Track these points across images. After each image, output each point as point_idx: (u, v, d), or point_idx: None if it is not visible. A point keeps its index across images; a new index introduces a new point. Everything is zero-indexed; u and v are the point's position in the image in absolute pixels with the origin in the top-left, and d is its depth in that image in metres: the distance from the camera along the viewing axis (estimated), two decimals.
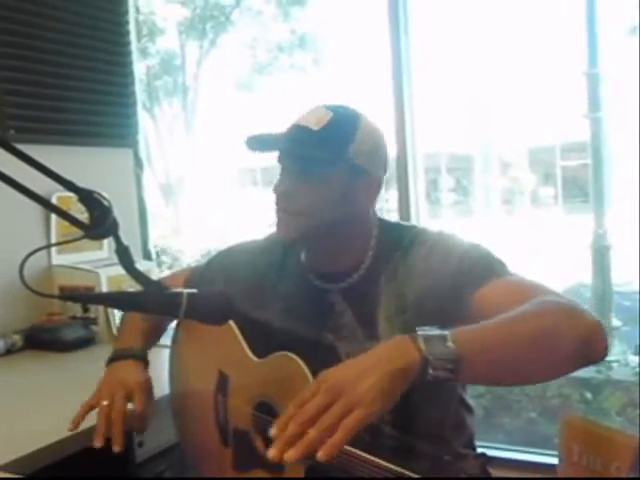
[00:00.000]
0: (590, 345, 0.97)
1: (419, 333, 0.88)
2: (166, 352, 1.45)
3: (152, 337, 1.43)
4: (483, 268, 1.12)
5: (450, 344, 0.86)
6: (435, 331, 0.89)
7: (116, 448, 1.16)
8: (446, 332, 0.88)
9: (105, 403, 1.19)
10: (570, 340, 0.95)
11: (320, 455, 0.78)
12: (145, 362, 1.32)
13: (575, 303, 1.02)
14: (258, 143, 1.21)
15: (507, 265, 1.16)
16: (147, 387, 1.26)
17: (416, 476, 0.95)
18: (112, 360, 1.31)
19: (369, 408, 0.81)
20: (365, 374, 0.83)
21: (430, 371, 0.85)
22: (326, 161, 1.16)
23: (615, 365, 4.52)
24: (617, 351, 4.71)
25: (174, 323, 1.49)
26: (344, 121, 1.17)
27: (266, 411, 1.18)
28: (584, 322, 0.98)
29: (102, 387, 1.24)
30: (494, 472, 1.32)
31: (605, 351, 0.99)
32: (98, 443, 1.15)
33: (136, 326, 1.40)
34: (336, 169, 1.16)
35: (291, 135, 1.18)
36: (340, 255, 1.23)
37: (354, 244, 1.23)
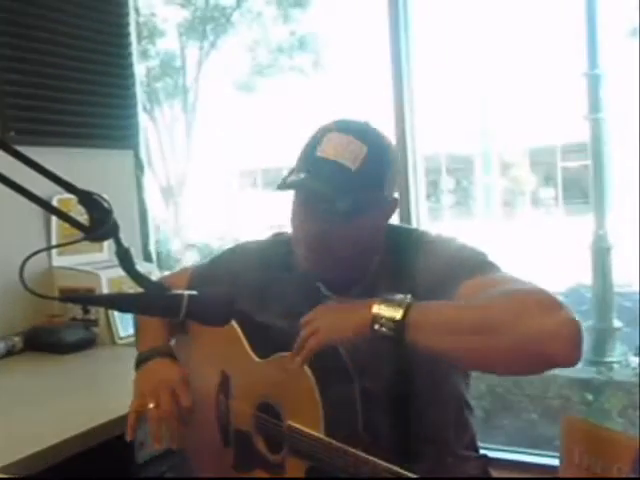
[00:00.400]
0: (546, 346, 0.92)
1: (383, 297, 1.03)
2: None
3: (171, 332, 1.38)
4: (469, 265, 1.10)
5: (399, 308, 0.99)
6: (398, 296, 1.02)
7: (174, 446, 1.20)
8: (407, 298, 1.01)
9: (152, 406, 1.18)
10: (513, 337, 0.92)
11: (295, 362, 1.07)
12: (174, 357, 1.30)
13: (546, 296, 0.97)
14: (291, 186, 1.14)
15: (498, 266, 1.13)
16: (187, 380, 1.23)
17: (414, 476, 0.94)
18: (141, 362, 1.28)
19: (325, 335, 1.06)
20: (329, 314, 1.09)
21: (376, 327, 1.00)
22: (366, 204, 1.12)
23: (616, 366, 4.52)
24: (618, 352, 4.71)
25: None
26: (379, 156, 1.13)
27: (268, 412, 1.18)
28: (549, 320, 0.93)
29: (143, 389, 1.21)
30: (495, 473, 1.32)
31: (571, 355, 0.93)
32: (157, 446, 1.18)
33: (154, 325, 1.36)
34: (372, 209, 1.15)
35: (327, 175, 1.09)
36: (350, 267, 1.21)
37: (365, 256, 1.21)
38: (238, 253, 1.41)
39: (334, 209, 1.09)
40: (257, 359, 1.22)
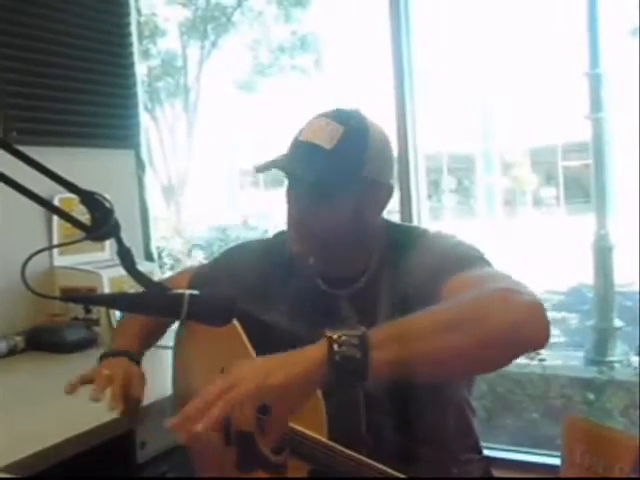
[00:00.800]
0: (521, 331, 0.91)
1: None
2: (168, 353, 1.45)
3: (147, 340, 1.41)
4: (456, 260, 1.09)
5: (355, 330, 0.88)
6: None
7: (115, 406, 1.18)
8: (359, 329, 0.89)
9: (107, 372, 1.22)
10: (492, 326, 0.90)
11: (197, 426, 0.84)
12: (138, 363, 1.32)
13: (517, 287, 0.95)
14: (267, 167, 1.16)
15: (490, 263, 1.11)
16: (142, 377, 1.26)
17: (397, 474, 0.94)
18: (105, 356, 1.31)
19: (247, 385, 0.86)
20: (260, 365, 0.90)
21: (335, 347, 0.85)
22: (342, 183, 1.13)
23: (617, 366, 4.52)
24: (619, 352, 4.71)
25: (175, 325, 1.49)
26: (355, 135, 1.12)
27: (269, 413, 1.17)
28: (514, 306, 0.92)
29: (98, 369, 1.26)
30: (496, 473, 1.32)
31: (543, 337, 0.92)
32: (94, 398, 1.17)
33: (131, 329, 1.40)
34: (352, 187, 1.14)
35: (303, 155, 1.12)
36: (348, 260, 1.22)
37: (362, 249, 1.22)
38: (239, 253, 1.41)
39: (309, 187, 1.12)
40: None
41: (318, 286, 1.24)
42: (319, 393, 1.05)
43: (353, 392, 1.09)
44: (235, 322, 1.22)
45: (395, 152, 1.28)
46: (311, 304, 1.23)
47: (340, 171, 1.11)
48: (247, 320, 1.23)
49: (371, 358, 0.85)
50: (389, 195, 1.20)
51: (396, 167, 1.29)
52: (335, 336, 0.86)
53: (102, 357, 1.32)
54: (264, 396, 0.87)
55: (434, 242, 1.18)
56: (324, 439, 1.03)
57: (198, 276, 1.43)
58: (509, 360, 0.94)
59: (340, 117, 1.13)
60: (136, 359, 1.32)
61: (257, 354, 1.22)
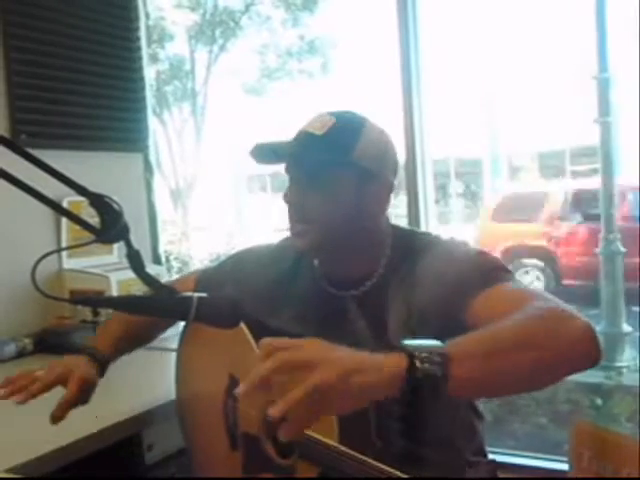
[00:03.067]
0: (579, 350, 0.93)
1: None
2: (172, 356, 1.45)
3: (126, 343, 1.40)
4: (482, 274, 1.10)
5: (433, 346, 0.84)
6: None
7: (17, 398, 1.17)
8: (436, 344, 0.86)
9: (40, 373, 1.22)
10: (556, 345, 0.91)
11: (272, 411, 0.78)
12: (100, 365, 1.30)
13: (565, 307, 0.98)
14: (263, 153, 1.19)
15: (511, 273, 1.13)
16: (85, 380, 1.23)
17: (405, 476, 0.94)
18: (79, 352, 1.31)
19: (329, 373, 0.78)
20: (342, 357, 0.82)
21: (417, 363, 0.81)
22: (332, 164, 1.16)
23: (625, 371, 4.50)
24: (627, 357, 4.69)
25: (165, 334, 1.49)
26: (348, 124, 1.17)
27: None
28: (572, 326, 0.94)
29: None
30: None
31: (597, 355, 0.94)
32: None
33: (110, 330, 1.39)
34: (344, 172, 1.16)
35: (296, 142, 1.17)
36: (353, 263, 1.22)
37: (367, 252, 1.22)
38: (245, 258, 1.41)
39: (302, 169, 1.17)
40: None
41: (324, 288, 1.24)
42: None
43: None
44: (242, 325, 1.22)
45: (400, 155, 1.28)
46: (318, 306, 1.23)
47: (330, 152, 1.14)
48: (254, 325, 1.23)
49: (452, 376, 0.83)
50: (389, 191, 1.20)
51: (401, 170, 1.29)
52: (416, 352, 0.83)
53: (80, 352, 1.32)
54: (336, 393, 0.79)
55: (451, 250, 1.18)
56: (335, 444, 1.03)
57: (204, 279, 1.43)
58: (564, 378, 0.96)
59: (336, 112, 1.18)
60: (99, 359, 1.30)
61: None
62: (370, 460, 0.96)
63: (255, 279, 1.32)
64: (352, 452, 1.00)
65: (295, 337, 1.16)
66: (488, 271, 1.11)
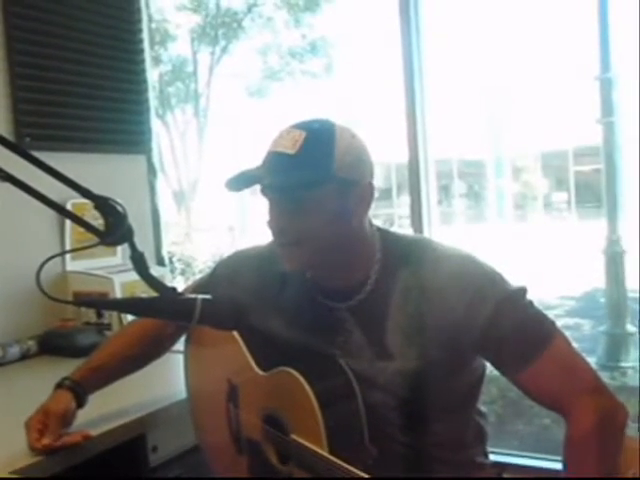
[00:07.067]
0: (621, 426, 1.11)
1: None
2: (179, 358, 1.45)
3: (112, 374, 1.38)
4: (530, 338, 1.09)
5: None
6: None
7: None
8: None
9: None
10: (612, 447, 1.09)
11: None
12: (78, 394, 1.30)
13: (598, 382, 1.11)
14: (238, 183, 1.16)
15: (549, 320, 1.13)
16: (64, 418, 1.25)
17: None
18: (59, 385, 1.32)
19: None
20: None
21: None
22: (312, 183, 1.11)
23: (630, 371, 4.49)
24: (632, 357, 4.68)
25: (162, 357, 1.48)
26: (320, 137, 1.11)
27: (274, 423, 1.17)
28: (616, 422, 1.10)
29: (39, 408, 1.28)
30: None
31: (626, 420, 1.11)
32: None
33: (97, 358, 1.40)
34: (324, 189, 1.10)
35: (270, 165, 1.12)
36: (345, 272, 1.19)
37: (358, 259, 1.18)
38: (237, 261, 1.38)
39: (282, 194, 1.12)
40: (260, 372, 1.20)
41: (317, 299, 1.21)
42: (316, 405, 1.05)
43: (352, 403, 1.09)
44: (235, 334, 1.22)
45: (403, 156, 1.26)
46: (311, 316, 1.20)
47: (308, 172, 1.10)
48: (246, 332, 1.23)
49: None
50: (370, 194, 1.16)
51: (404, 171, 1.27)
52: None
53: (57, 385, 1.33)
54: None
55: (467, 271, 1.14)
56: (323, 452, 1.03)
57: (198, 289, 1.40)
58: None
59: (303, 124, 1.13)
60: (76, 389, 1.31)
61: (258, 367, 1.21)
62: (360, 473, 0.95)
63: (246, 282, 1.29)
64: (342, 463, 0.99)
65: (288, 345, 1.17)
66: (534, 331, 1.11)
